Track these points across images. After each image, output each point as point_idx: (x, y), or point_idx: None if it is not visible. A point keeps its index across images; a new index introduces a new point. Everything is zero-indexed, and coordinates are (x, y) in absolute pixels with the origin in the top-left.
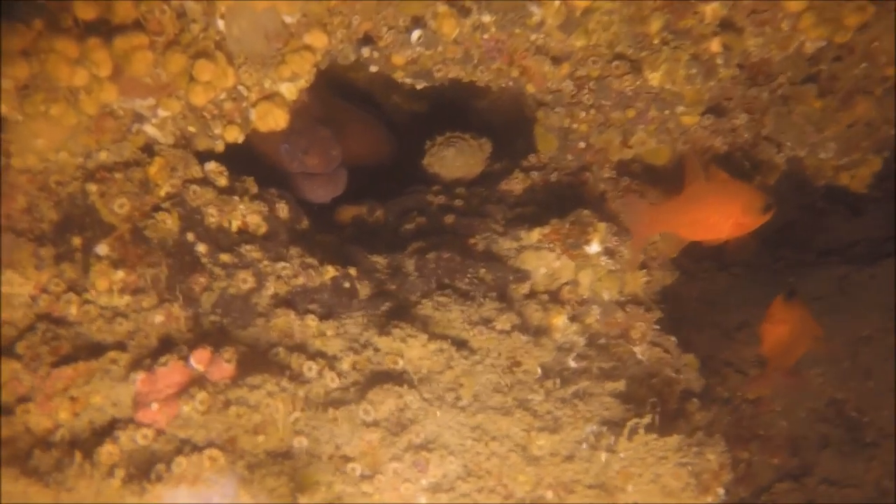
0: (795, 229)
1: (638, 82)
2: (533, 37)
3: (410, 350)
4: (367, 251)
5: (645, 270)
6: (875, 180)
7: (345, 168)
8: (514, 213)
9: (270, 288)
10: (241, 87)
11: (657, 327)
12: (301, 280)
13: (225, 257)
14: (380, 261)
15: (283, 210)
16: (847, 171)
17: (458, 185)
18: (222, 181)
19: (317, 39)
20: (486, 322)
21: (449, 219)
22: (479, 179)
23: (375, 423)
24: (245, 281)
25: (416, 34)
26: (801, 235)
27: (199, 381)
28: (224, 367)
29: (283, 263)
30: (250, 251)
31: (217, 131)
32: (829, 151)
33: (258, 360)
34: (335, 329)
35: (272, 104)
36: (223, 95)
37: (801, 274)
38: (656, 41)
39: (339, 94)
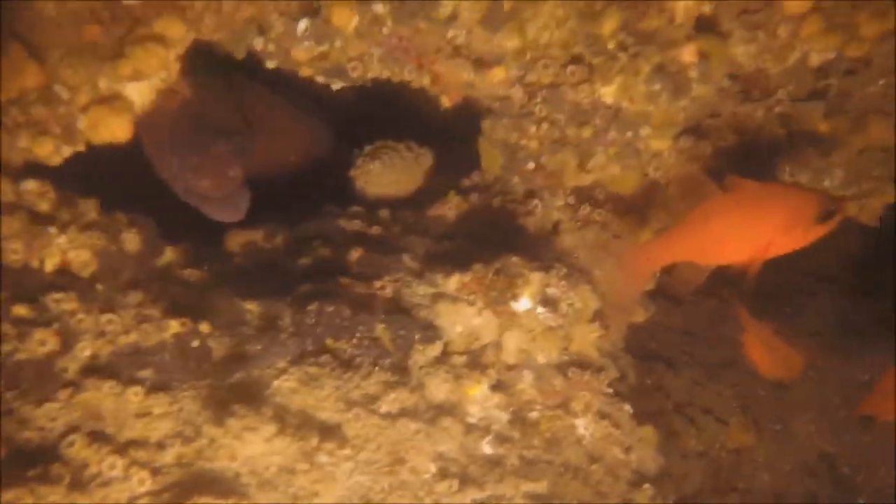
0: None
1: (596, 94)
2: (450, 34)
3: (247, 447)
4: (244, 294)
5: (596, 323)
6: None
7: (247, 189)
8: (440, 248)
9: (86, 349)
10: (57, 88)
11: (609, 391)
12: (132, 337)
13: (20, 310)
14: (252, 309)
15: (131, 241)
16: (856, 201)
17: (383, 206)
18: (43, 205)
19: (170, 27)
20: (370, 401)
21: (355, 254)
22: (412, 197)
23: None
24: (43, 343)
25: (302, 25)
26: (801, 258)
27: None
28: None
29: (109, 316)
30: (61, 301)
31: (22, 144)
32: (836, 179)
33: (40, 455)
34: (167, 405)
35: (108, 110)
36: (32, 97)
37: (798, 304)
38: (611, 45)
39: (267, 83)
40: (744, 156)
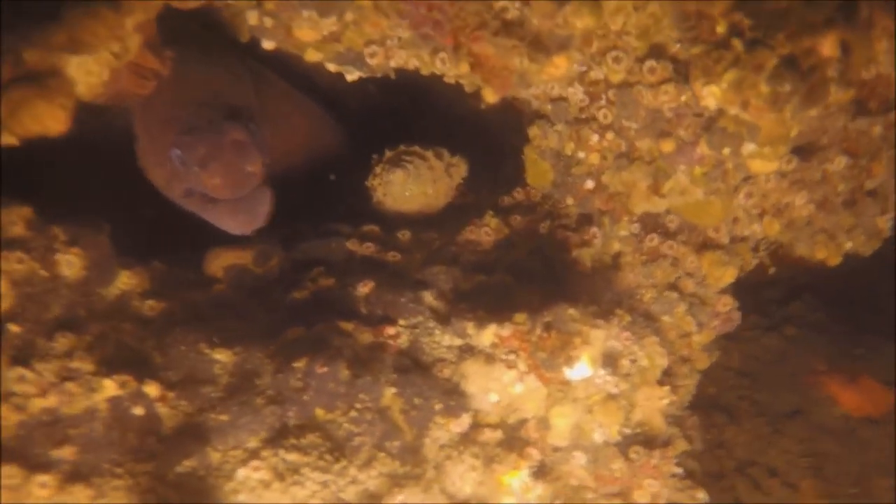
0: (873, 287)
1: (684, 97)
2: (499, 3)
3: None
4: (217, 336)
5: (666, 387)
6: None
7: (268, 188)
8: (472, 284)
9: None
10: None
11: (679, 471)
12: (51, 401)
13: None
14: (223, 360)
15: (69, 265)
16: None
17: (404, 225)
18: None
19: None
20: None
21: (365, 287)
22: (440, 216)
23: None
24: None
25: None
26: (880, 296)
27: None
28: None
29: (20, 371)
30: None
31: None
32: None
33: None
34: (89, 499)
35: (36, 91)
36: None
37: (871, 345)
38: (721, 29)
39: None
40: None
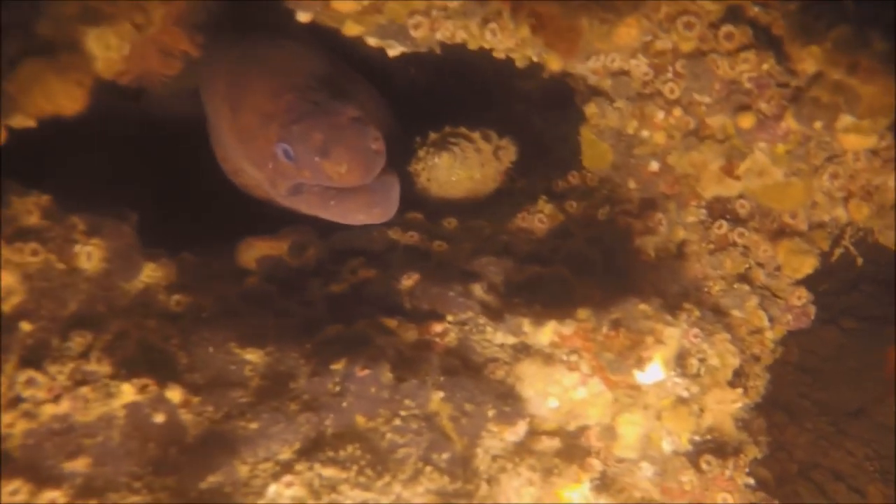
0: None
1: (766, 66)
2: None
3: None
4: (246, 336)
5: (738, 390)
6: None
7: (394, 173)
8: (525, 276)
9: None
10: None
11: (751, 481)
12: (64, 407)
13: None
14: (254, 360)
15: (88, 257)
16: None
17: (449, 212)
18: None
19: None
20: None
21: (409, 280)
22: (487, 202)
23: None
24: None
25: None
26: None
27: None
28: None
29: (31, 373)
30: None
31: None
32: None
33: None
34: None
35: (50, 66)
36: None
37: None
38: None
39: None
40: None
